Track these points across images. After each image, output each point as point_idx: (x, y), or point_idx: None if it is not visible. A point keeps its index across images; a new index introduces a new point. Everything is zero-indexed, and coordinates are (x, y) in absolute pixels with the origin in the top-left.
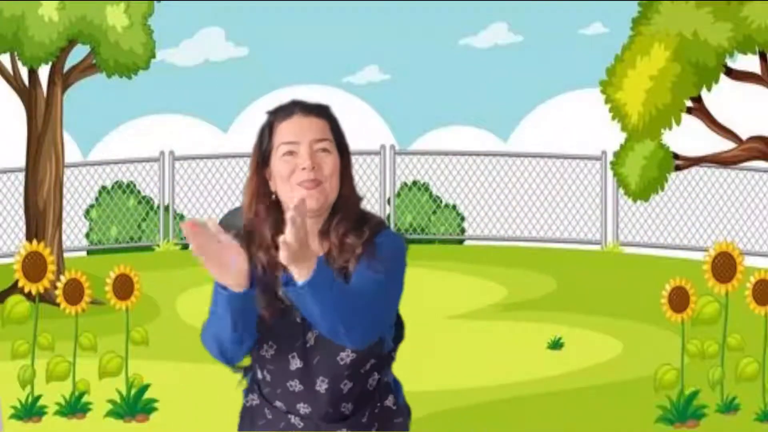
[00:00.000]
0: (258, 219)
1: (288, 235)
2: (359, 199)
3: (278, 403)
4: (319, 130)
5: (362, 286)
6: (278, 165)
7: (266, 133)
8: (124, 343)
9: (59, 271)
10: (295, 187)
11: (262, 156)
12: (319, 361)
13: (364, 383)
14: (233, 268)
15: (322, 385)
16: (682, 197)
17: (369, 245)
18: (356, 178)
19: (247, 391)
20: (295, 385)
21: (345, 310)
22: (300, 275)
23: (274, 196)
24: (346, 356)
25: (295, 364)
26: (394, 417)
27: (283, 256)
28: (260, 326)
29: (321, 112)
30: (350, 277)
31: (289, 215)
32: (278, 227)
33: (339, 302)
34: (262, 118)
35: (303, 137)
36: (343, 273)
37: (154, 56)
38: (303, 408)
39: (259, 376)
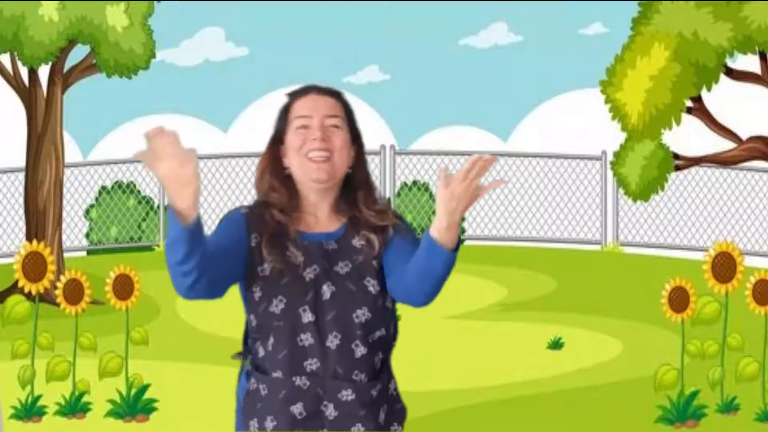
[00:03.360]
0: (272, 189)
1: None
2: (370, 175)
3: (278, 373)
4: (331, 107)
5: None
6: (291, 138)
7: (283, 111)
8: (124, 343)
9: (59, 271)
10: (306, 160)
11: (276, 133)
12: (334, 317)
13: (372, 354)
14: (190, 177)
15: (333, 341)
16: (682, 197)
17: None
18: None
19: (248, 375)
20: (306, 339)
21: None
22: (451, 241)
23: (287, 172)
24: (361, 314)
25: (307, 317)
26: (396, 402)
27: (449, 216)
28: (268, 283)
29: (335, 94)
30: (392, 239)
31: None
32: (292, 197)
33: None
34: (263, 118)
35: (316, 112)
36: (380, 231)
37: (154, 56)
38: (312, 364)
39: (261, 353)
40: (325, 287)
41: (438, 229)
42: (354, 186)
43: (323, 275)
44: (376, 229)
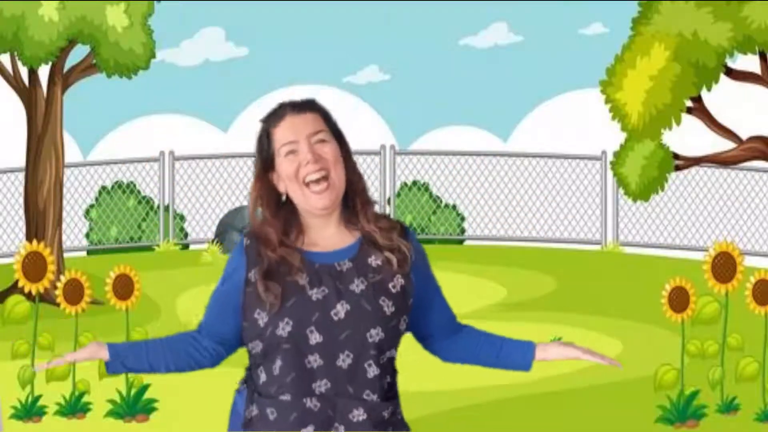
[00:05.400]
0: (265, 223)
1: None
2: (364, 179)
3: (286, 396)
4: (312, 124)
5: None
6: (283, 166)
7: (264, 139)
8: None
9: (59, 271)
10: (305, 189)
11: (264, 162)
12: (347, 336)
13: (383, 376)
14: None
15: (346, 360)
16: (682, 197)
17: (409, 238)
18: None
19: (246, 403)
20: (315, 361)
21: None
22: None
23: (284, 197)
24: (375, 334)
25: (315, 338)
26: (403, 428)
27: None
28: (273, 308)
29: (311, 106)
30: (423, 287)
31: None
32: (287, 227)
33: None
34: (263, 119)
35: (299, 135)
36: (392, 249)
37: (154, 56)
38: (321, 386)
39: (263, 378)
40: (339, 306)
41: (543, 358)
42: (350, 192)
43: (335, 295)
44: (392, 248)
